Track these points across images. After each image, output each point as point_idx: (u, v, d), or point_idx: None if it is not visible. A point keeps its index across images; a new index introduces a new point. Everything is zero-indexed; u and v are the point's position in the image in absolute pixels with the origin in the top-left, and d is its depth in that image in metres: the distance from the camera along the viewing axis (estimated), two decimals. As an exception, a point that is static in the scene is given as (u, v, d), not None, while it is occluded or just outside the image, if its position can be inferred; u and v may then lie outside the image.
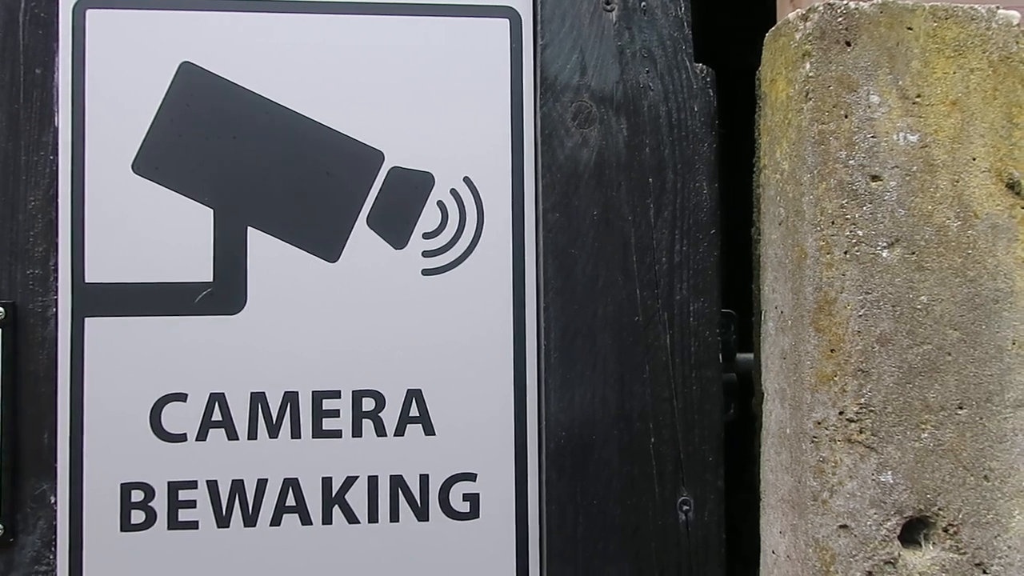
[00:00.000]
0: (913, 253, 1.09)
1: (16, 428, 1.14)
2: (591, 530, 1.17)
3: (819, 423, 1.09)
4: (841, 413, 1.08)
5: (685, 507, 1.19)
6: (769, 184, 1.20)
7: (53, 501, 1.14)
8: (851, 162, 1.09)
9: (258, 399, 1.16)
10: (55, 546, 1.14)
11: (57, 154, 1.16)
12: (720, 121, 1.25)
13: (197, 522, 1.15)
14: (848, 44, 1.10)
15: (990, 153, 1.11)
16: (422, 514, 1.18)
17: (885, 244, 1.09)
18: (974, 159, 1.11)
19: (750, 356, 1.28)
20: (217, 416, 1.16)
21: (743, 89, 1.27)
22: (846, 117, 1.10)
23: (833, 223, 1.09)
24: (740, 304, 1.31)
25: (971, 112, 1.11)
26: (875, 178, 1.09)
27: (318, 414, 1.17)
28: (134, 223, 1.16)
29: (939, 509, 1.08)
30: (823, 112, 1.10)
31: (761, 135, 1.23)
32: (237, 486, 1.16)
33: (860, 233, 1.09)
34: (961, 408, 1.09)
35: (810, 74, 1.10)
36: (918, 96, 1.10)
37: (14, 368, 1.14)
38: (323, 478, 1.17)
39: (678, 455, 1.19)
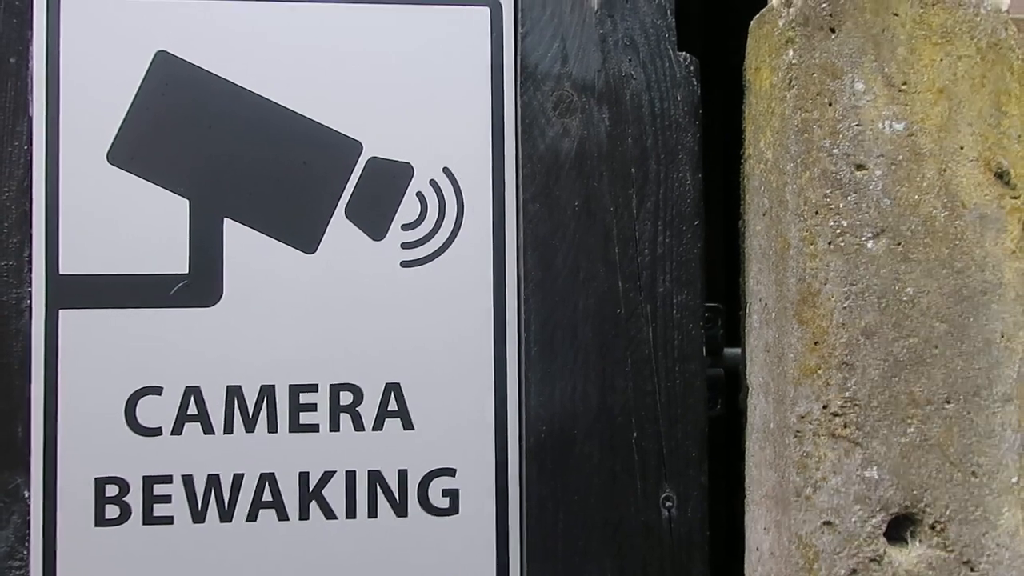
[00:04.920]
0: (899, 244, 1.07)
1: (-11, 421, 1.13)
2: (572, 526, 1.16)
3: (802, 417, 1.06)
4: (825, 407, 1.06)
5: (668, 503, 1.17)
6: (753, 174, 1.18)
7: (27, 495, 1.13)
8: (835, 151, 1.07)
9: (234, 392, 1.15)
10: (28, 541, 1.13)
11: (31, 144, 1.15)
12: (716, 112, 1.23)
13: (172, 517, 1.14)
14: (832, 31, 1.08)
15: (978, 142, 1.09)
16: (401, 510, 1.16)
17: (870, 235, 1.07)
18: (962, 148, 1.08)
19: (738, 351, 1.26)
20: (193, 410, 1.14)
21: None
22: (830, 105, 1.08)
23: (817, 213, 1.07)
24: (729, 298, 1.29)
25: (959, 100, 1.09)
26: (860, 167, 1.07)
27: (295, 408, 1.15)
28: (109, 214, 1.14)
29: (926, 506, 1.06)
30: (806, 100, 1.08)
31: (746, 124, 1.20)
32: (213, 481, 1.14)
33: (844, 223, 1.07)
34: (948, 402, 1.07)
35: (793, 61, 1.08)
36: (904, 84, 1.08)
37: (-13, 360, 1.13)
38: (300, 473, 1.15)
39: (661, 450, 1.17)
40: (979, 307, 1.07)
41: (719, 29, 1.37)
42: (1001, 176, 1.09)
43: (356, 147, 1.18)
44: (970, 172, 1.08)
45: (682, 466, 1.18)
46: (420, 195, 1.18)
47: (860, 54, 1.08)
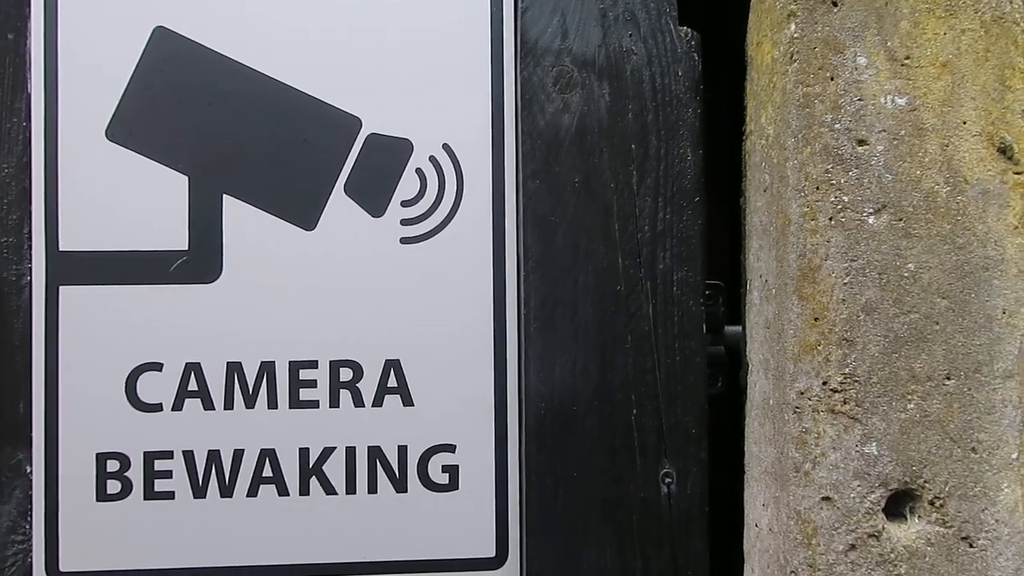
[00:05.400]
0: (900, 219, 1.06)
1: (-9, 397, 1.14)
2: (571, 503, 1.16)
3: (802, 393, 1.06)
4: (824, 383, 1.06)
5: (667, 480, 1.17)
6: (754, 150, 1.17)
7: (29, 471, 1.14)
8: (837, 126, 1.06)
9: (234, 369, 1.15)
10: (31, 516, 1.13)
11: (30, 121, 1.15)
12: (721, 89, 1.22)
13: (173, 492, 1.14)
14: (835, 4, 1.07)
15: (981, 116, 1.08)
16: (400, 486, 1.17)
17: (871, 210, 1.06)
18: (965, 123, 1.07)
19: (739, 328, 1.25)
20: (193, 386, 1.15)
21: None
22: (832, 79, 1.07)
23: (818, 189, 1.06)
24: (731, 277, 1.28)
25: (962, 74, 1.08)
26: (861, 142, 1.06)
27: (295, 384, 1.16)
28: (108, 191, 1.14)
29: (925, 481, 1.06)
30: (808, 74, 1.07)
31: (747, 100, 1.20)
32: (213, 456, 1.15)
33: (845, 199, 1.06)
34: (949, 378, 1.06)
35: (795, 35, 1.07)
36: (907, 58, 1.07)
37: (-11, 337, 1.14)
38: (300, 449, 1.16)
39: (660, 427, 1.17)
40: (981, 283, 1.07)
41: (721, 3, 1.36)
42: (1004, 151, 1.08)
43: (355, 123, 1.17)
44: (973, 147, 1.07)
45: (682, 443, 1.18)
46: (420, 171, 1.18)
47: (863, 28, 1.06)
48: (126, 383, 1.14)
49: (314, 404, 1.16)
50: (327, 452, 1.16)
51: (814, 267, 1.06)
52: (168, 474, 1.14)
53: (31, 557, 1.13)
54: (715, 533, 1.21)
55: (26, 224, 1.15)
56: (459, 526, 1.17)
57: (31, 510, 1.13)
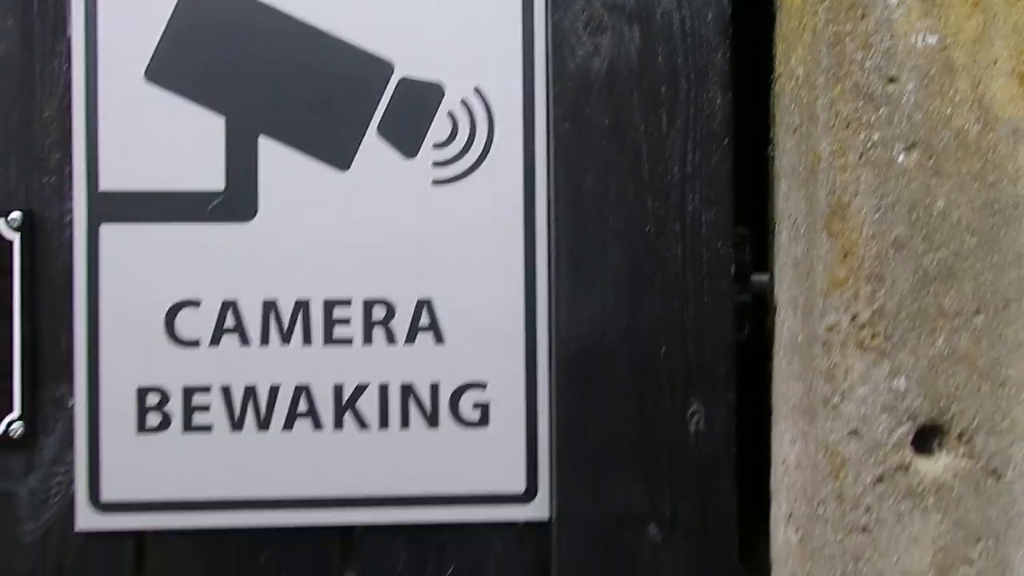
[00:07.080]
0: (930, 157, 1.07)
1: (35, 332, 1.16)
2: (600, 441, 1.17)
3: (831, 328, 1.07)
4: (854, 318, 1.07)
5: (695, 419, 1.19)
6: (783, 92, 1.18)
7: (71, 404, 1.17)
8: (867, 64, 1.07)
9: (270, 306, 1.17)
10: (73, 448, 1.16)
11: (71, 63, 1.17)
12: (749, 39, 1.23)
13: (211, 426, 1.17)
14: (866, -58, 1.07)
15: (1013, 55, 1.08)
16: (432, 421, 1.19)
17: (901, 148, 1.07)
18: (996, 61, 1.08)
19: (765, 277, 1.26)
20: (230, 323, 1.17)
21: None
22: (863, 18, 1.07)
23: (848, 126, 1.07)
24: (757, 225, 1.29)
25: (994, 12, 1.08)
26: (892, 80, 1.07)
27: (329, 322, 1.18)
28: (147, 131, 1.17)
29: (953, 416, 1.07)
30: (839, 13, 1.07)
31: (776, 44, 1.20)
32: (250, 391, 1.17)
33: (875, 137, 1.07)
34: (977, 314, 1.07)
35: (826, -27, 1.08)
36: (938, -4, 1.07)
37: (32, 274, 1.16)
38: (335, 385, 1.18)
39: (688, 367, 1.19)
40: (1010, 221, 1.07)
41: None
42: (1035, 90, 1.08)
43: (387, 67, 1.19)
44: (1004, 86, 1.08)
45: (709, 383, 1.19)
46: (451, 114, 1.19)
47: (894, -34, 1.07)
48: (165, 319, 1.17)
49: (348, 341, 1.18)
50: (360, 389, 1.18)
51: (844, 204, 1.07)
52: (206, 408, 1.17)
53: (74, 488, 1.16)
54: (740, 479, 1.22)
55: (67, 164, 1.17)
56: (490, 462, 1.19)
57: (74, 442, 1.16)
